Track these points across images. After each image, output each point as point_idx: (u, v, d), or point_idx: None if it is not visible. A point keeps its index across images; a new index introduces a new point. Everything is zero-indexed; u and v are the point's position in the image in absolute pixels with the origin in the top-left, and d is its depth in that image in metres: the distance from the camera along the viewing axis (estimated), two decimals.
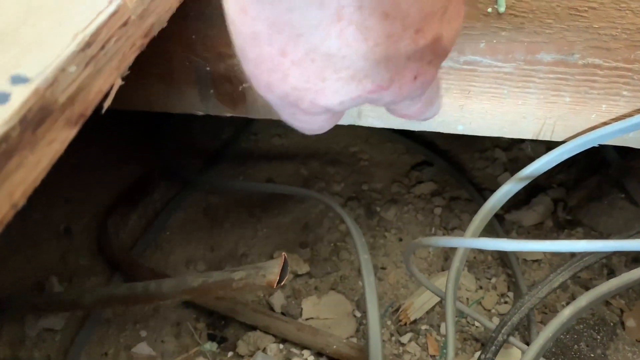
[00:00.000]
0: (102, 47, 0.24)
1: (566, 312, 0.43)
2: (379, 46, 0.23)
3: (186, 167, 0.82)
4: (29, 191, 0.19)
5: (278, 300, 0.64)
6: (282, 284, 0.44)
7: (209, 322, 0.63)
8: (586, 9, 0.39)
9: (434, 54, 0.26)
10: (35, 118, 0.19)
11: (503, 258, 0.68)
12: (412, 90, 0.27)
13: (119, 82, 0.25)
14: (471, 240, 0.38)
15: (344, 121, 0.50)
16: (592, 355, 0.56)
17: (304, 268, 0.67)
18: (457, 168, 0.80)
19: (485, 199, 0.73)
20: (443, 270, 0.67)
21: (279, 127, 0.88)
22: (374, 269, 0.60)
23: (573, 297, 0.62)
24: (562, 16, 0.39)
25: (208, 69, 0.46)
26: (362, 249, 0.59)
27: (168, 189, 0.80)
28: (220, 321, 0.63)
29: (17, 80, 0.20)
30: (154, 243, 0.73)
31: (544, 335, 0.46)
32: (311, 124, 0.30)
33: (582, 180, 0.76)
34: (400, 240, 0.71)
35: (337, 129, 0.45)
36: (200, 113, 0.50)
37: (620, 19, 0.39)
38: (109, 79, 0.24)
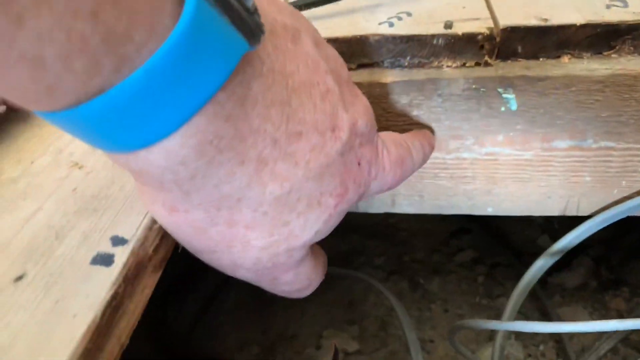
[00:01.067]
0: None
1: None
2: (311, 162, 0.23)
3: None
4: (131, 332, 0.24)
5: None
6: None
7: None
8: (592, 101, 0.43)
9: (359, 135, 0.26)
10: (133, 274, 0.24)
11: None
12: (365, 175, 0.28)
13: None
14: (508, 324, 0.41)
15: (379, 209, 0.55)
16: None
17: (353, 346, 0.69)
18: (494, 233, 0.83)
19: (524, 265, 0.75)
20: (491, 339, 0.68)
21: None
22: (422, 343, 0.62)
23: None
24: (570, 109, 0.43)
25: None
26: (407, 327, 0.61)
27: (218, 274, 0.85)
28: None
29: (117, 241, 0.25)
30: (208, 329, 0.77)
31: None
32: (298, 281, 0.30)
33: (622, 238, 0.77)
34: (446, 311, 0.73)
35: None
36: None
37: (625, 107, 0.42)
38: None
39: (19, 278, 0.24)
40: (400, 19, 0.45)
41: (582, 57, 0.43)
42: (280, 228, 0.24)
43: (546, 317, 0.69)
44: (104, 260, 0.24)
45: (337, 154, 0.24)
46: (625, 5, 0.43)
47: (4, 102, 0.35)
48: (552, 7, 0.44)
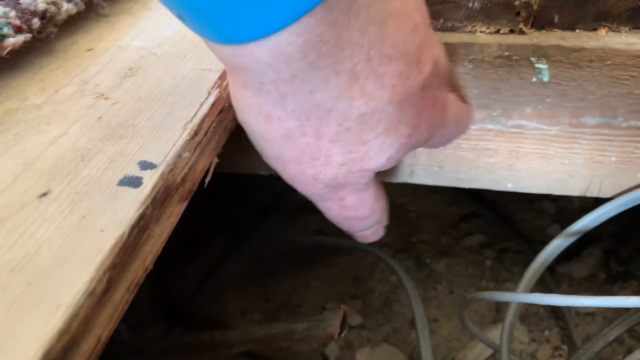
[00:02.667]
0: (205, 133, 0.28)
1: None
2: (396, 87, 0.24)
3: (240, 221, 0.87)
4: (154, 258, 0.23)
5: (332, 351, 0.66)
6: (342, 335, 0.46)
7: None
8: (627, 77, 0.42)
9: (437, 76, 0.28)
10: (161, 198, 0.23)
11: (556, 310, 0.68)
12: (437, 118, 0.29)
13: (215, 161, 0.30)
14: (525, 296, 0.40)
15: (397, 179, 0.54)
16: None
17: (357, 319, 0.69)
18: (505, 220, 0.82)
19: (534, 251, 0.74)
20: (495, 322, 0.67)
21: None
22: (428, 322, 0.61)
23: (630, 351, 0.62)
24: (603, 84, 0.42)
25: None
26: (415, 302, 0.61)
27: (223, 241, 0.84)
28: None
29: (145, 166, 0.24)
30: (212, 294, 0.76)
31: None
32: (362, 207, 0.31)
33: (633, 231, 0.76)
34: (452, 292, 0.72)
35: (385, 182, 0.48)
36: (265, 173, 0.55)
37: None
38: (209, 159, 0.29)
39: (44, 194, 0.23)
40: None
41: (620, 31, 0.42)
42: (359, 146, 0.25)
43: (553, 305, 0.68)
44: (132, 182, 0.23)
45: (419, 86, 0.25)
46: None
47: (30, 31, 0.34)
48: None
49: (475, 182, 0.51)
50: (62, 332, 0.17)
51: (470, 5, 0.42)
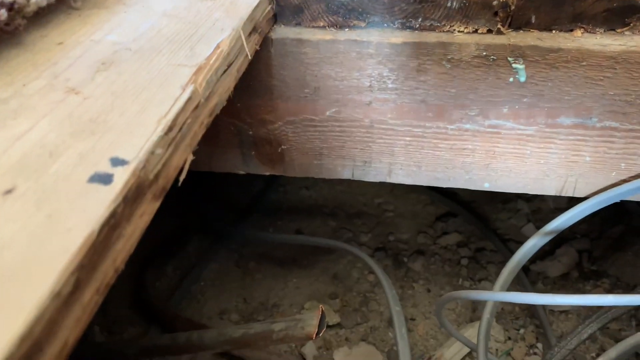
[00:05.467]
0: (180, 130, 0.27)
1: None
2: None
3: (219, 220, 0.86)
4: (126, 258, 0.23)
5: (310, 351, 0.66)
6: (320, 335, 0.46)
7: None
8: (601, 78, 0.42)
9: None
10: (132, 196, 0.23)
11: (531, 309, 0.69)
12: None
13: (190, 157, 0.29)
14: (502, 294, 0.40)
15: (375, 179, 0.54)
16: None
17: (335, 319, 0.69)
18: (481, 219, 0.83)
19: (510, 250, 0.75)
20: (471, 321, 0.68)
21: (307, 179, 0.91)
22: (405, 320, 0.61)
23: (602, 349, 0.63)
24: (579, 84, 0.43)
25: (250, 133, 0.50)
26: (393, 301, 0.61)
27: (202, 241, 0.83)
28: None
29: (117, 162, 0.23)
30: (189, 294, 0.75)
31: None
32: None
33: (606, 231, 0.77)
34: (429, 291, 0.73)
35: (363, 182, 0.48)
36: (242, 172, 0.54)
37: (633, 87, 0.42)
38: (183, 155, 0.28)
39: (8, 192, 0.22)
40: None
41: (595, 32, 0.42)
42: None
43: (530, 304, 0.69)
44: (103, 179, 0.22)
45: None
46: None
47: None
48: None
49: (452, 181, 0.51)
50: (24, 337, 0.16)
51: (449, 4, 0.42)
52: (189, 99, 0.28)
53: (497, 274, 0.75)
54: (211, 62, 0.33)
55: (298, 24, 0.45)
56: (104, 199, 0.21)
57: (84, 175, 0.23)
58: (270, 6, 0.44)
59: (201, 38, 0.36)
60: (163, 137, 0.26)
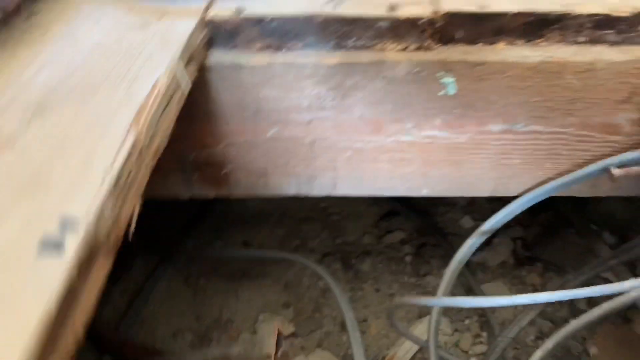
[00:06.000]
0: (127, 179, 0.27)
1: (537, 355, 0.48)
2: None
3: (163, 238, 0.84)
4: (86, 321, 0.22)
5: None
6: (278, 354, 0.47)
7: None
8: (524, 87, 0.45)
9: None
10: (86, 259, 0.22)
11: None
12: None
13: (139, 204, 0.29)
14: (450, 300, 0.43)
15: (320, 193, 0.55)
16: None
17: (289, 329, 0.70)
18: (421, 215, 0.86)
19: (450, 244, 0.78)
20: (420, 317, 0.71)
21: None
22: (358, 323, 0.63)
23: (541, 331, 0.67)
24: (504, 94, 0.46)
25: (192, 157, 0.50)
26: (344, 305, 0.63)
27: (147, 262, 0.81)
28: None
29: (66, 226, 0.23)
30: (140, 317, 0.74)
31: None
32: None
33: (536, 218, 0.83)
34: (378, 290, 0.75)
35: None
36: (185, 197, 0.54)
37: (552, 93, 0.45)
38: (132, 204, 0.28)
39: None
40: None
41: (516, 44, 0.45)
42: None
43: (471, 293, 0.72)
44: (53, 246, 0.22)
45: None
46: None
47: None
48: None
49: (393, 190, 0.53)
50: None
51: (379, 24, 0.43)
52: (133, 146, 0.28)
53: (440, 267, 0.79)
54: (151, 101, 0.32)
55: (234, 48, 0.45)
56: (57, 271, 0.21)
57: (32, 245, 0.22)
58: (204, 32, 0.43)
59: (137, 75, 0.35)
60: (111, 191, 0.25)
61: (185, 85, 0.38)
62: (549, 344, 0.46)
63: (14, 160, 0.28)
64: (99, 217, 0.24)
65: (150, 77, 0.35)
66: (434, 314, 0.51)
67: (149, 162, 0.30)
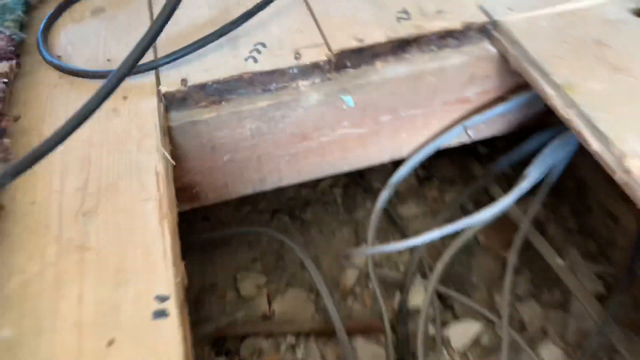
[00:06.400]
0: (173, 248, 0.43)
1: (438, 267, 0.71)
2: None
3: None
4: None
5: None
6: (271, 310, 0.67)
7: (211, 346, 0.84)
8: (400, 92, 0.63)
9: None
10: (182, 314, 0.40)
11: (395, 222, 0.94)
12: None
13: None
14: (383, 247, 0.63)
15: (270, 188, 0.72)
16: (466, 271, 0.86)
17: (263, 279, 0.89)
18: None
19: (366, 182, 0.99)
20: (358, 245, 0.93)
21: None
22: (313, 261, 0.84)
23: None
24: (387, 98, 0.63)
25: None
26: (299, 250, 0.83)
27: None
28: (220, 341, 0.84)
29: (163, 300, 0.40)
30: None
31: (435, 274, 0.74)
32: None
33: None
34: (321, 232, 0.96)
35: None
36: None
37: (417, 94, 0.64)
38: (181, 269, 0.44)
39: (110, 343, 0.37)
40: (259, 52, 0.60)
41: (388, 62, 0.62)
42: None
43: (391, 218, 0.94)
44: (160, 314, 0.38)
45: None
46: (409, 17, 0.63)
47: None
48: (363, 24, 0.62)
49: (323, 173, 0.71)
50: None
51: (292, 71, 0.59)
52: (172, 236, 0.44)
53: (364, 200, 1.00)
54: (161, 189, 0.48)
55: (187, 108, 0.59)
56: (170, 327, 0.38)
57: (146, 315, 0.39)
58: (161, 104, 0.57)
59: (140, 168, 0.49)
60: (175, 264, 0.42)
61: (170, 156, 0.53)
62: (455, 244, 0.69)
63: (95, 259, 0.43)
64: (177, 285, 0.40)
65: (150, 166, 0.49)
66: (370, 261, 0.72)
67: (175, 226, 0.46)
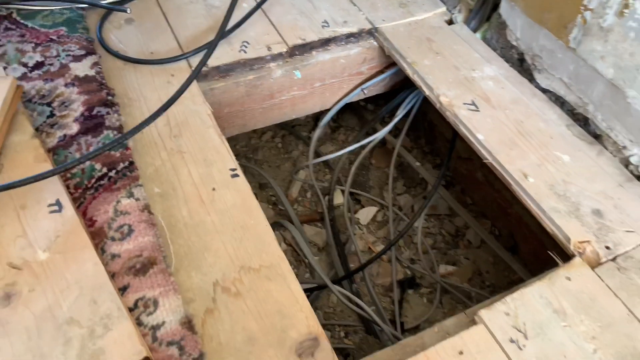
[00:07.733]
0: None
1: (349, 179, 1.20)
2: None
3: None
4: None
5: None
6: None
7: None
8: (323, 68, 1.10)
9: None
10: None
11: (319, 155, 1.42)
12: None
13: None
14: (320, 158, 1.11)
15: (253, 128, 1.15)
16: (365, 180, 1.36)
17: None
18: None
19: (297, 130, 1.45)
20: (297, 172, 1.39)
21: None
22: (275, 184, 1.29)
23: (351, 160, 1.41)
24: (318, 73, 1.10)
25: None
26: (270, 178, 1.27)
27: None
28: None
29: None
30: None
31: (348, 182, 1.24)
32: None
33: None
34: (270, 166, 1.40)
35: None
36: None
37: (336, 68, 1.11)
38: None
39: None
40: (246, 47, 1.03)
41: (319, 51, 1.08)
42: None
43: (318, 154, 1.41)
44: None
45: None
46: (328, 25, 1.10)
47: None
48: (302, 30, 1.08)
49: (278, 120, 1.16)
50: None
51: (266, 57, 1.03)
52: (226, 144, 0.87)
53: (296, 144, 1.46)
54: (214, 122, 0.90)
55: (207, 80, 1.01)
56: (242, 181, 0.82)
57: (228, 176, 0.82)
58: (194, 77, 0.99)
59: (198, 112, 0.91)
60: (232, 157, 0.85)
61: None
62: (357, 162, 1.18)
63: (190, 155, 0.85)
64: (237, 163, 0.84)
65: (202, 110, 0.92)
66: (310, 169, 1.19)
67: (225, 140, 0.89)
